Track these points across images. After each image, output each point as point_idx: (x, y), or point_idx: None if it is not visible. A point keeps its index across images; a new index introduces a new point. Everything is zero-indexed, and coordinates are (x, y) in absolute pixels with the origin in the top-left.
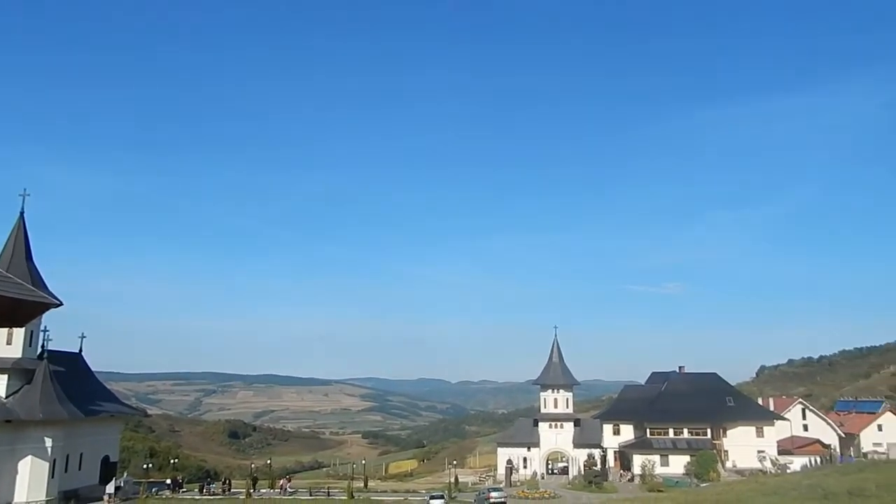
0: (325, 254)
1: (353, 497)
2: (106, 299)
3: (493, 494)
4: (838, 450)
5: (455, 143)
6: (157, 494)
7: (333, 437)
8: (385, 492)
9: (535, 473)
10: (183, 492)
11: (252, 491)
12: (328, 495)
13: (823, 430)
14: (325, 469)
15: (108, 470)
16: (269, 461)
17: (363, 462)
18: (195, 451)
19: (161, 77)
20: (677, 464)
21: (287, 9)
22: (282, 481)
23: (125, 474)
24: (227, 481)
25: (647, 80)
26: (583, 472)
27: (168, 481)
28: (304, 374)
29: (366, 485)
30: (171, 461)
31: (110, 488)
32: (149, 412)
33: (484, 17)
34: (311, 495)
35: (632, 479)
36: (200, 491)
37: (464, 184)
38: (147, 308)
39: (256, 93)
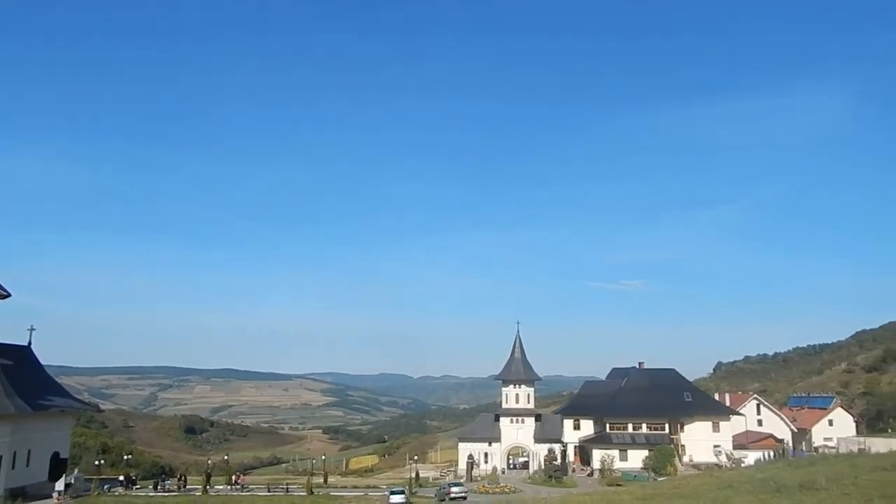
0: (288, 247)
1: (312, 493)
2: (58, 291)
3: (454, 489)
4: (791, 444)
5: (423, 139)
6: (109, 491)
7: (293, 433)
8: (345, 487)
9: (495, 468)
10: (136, 489)
11: (208, 487)
12: (287, 492)
13: (777, 425)
14: (284, 465)
15: (57, 466)
16: (226, 457)
17: (323, 458)
18: (150, 447)
19: (109, 66)
20: (636, 458)
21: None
22: (233, 476)
23: (76, 471)
24: (183, 478)
25: (613, 78)
26: (543, 467)
27: (121, 478)
28: (263, 368)
29: (325, 481)
30: (125, 457)
31: (60, 485)
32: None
33: (446, 12)
34: (269, 491)
35: (591, 474)
36: (155, 488)
37: (428, 182)
38: (101, 300)
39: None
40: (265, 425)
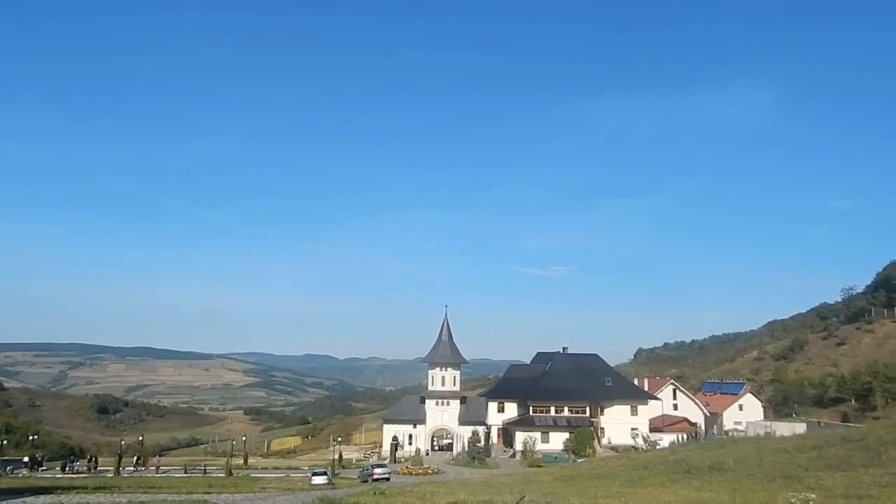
0: (210, 224)
1: (231, 475)
2: None
3: (377, 471)
4: (703, 427)
5: (349, 119)
6: (12, 473)
7: (213, 414)
8: (266, 469)
9: (419, 450)
10: (43, 470)
11: (120, 469)
12: (205, 473)
13: (691, 410)
14: (203, 446)
15: None
16: (141, 438)
17: (244, 439)
18: (58, 428)
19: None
20: (557, 440)
21: None
22: (136, 457)
23: None
24: (94, 459)
25: (546, 65)
26: (467, 449)
27: (25, 459)
28: (182, 347)
29: (246, 462)
30: (30, 438)
31: None
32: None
33: None
34: (186, 473)
35: (513, 456)
36: (63, 469)
37: (353, 163)
38: (5, 272)
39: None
40: (183, 406)
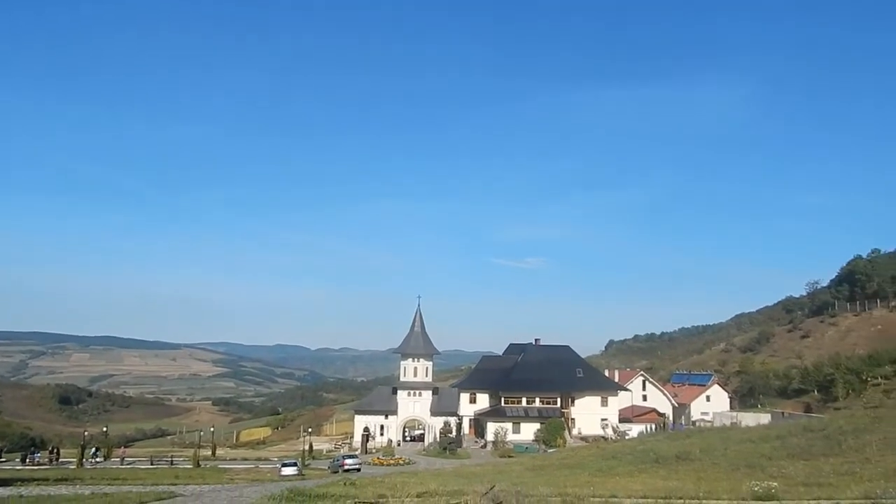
0: (179, 211)
1: (199, 466)
2: None
3: (348, 461)
4: (672, 418)
5: (325, 108)
6: None
7: (180, 404)
8: (235, 460)
9: (390, 441)
10: (2, 462)
11: (83, 460)
12: (171, 464)
13: (660, 400)
14: (170, 437)
15: None
16: (105, 429)
17: (212, 429)
18: (19, 418)
19: None
20: (528, 431)
21: None
22: (94, 449)
23: None
24: (56, 450)
25: (523, 57)
26: (438, 440)
27: None
28: (149, 336)
29: (214, 453)
30: None
31: None
32: None
33: None
34: (152, 464)
35: (485, 446)
36: (23, 460)
37: (333, 150)
38: None
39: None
40: (150, 396)
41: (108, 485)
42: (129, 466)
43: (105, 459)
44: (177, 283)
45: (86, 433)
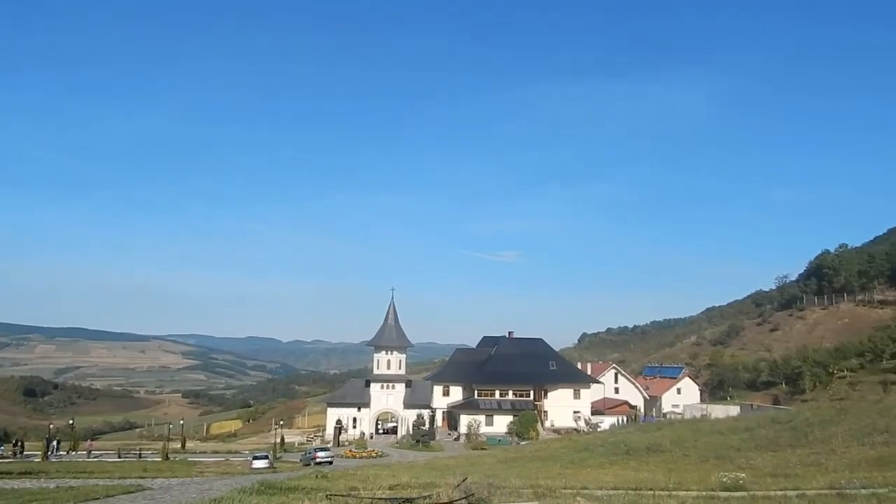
0: (145, 199)
1: (167, 459)
2: None
3: (320, 454)
4: (643, 410)
5: (295, 100)
6: None
7: (149, 397)
8: (205, 453)
9: (362, 433)
10: None
11: (48, 453)
12: (140, 457)
13: (632, 393)
14: (138, 430)
15: None
16: (71, 421)
17: (181, 422)
18: None
19: None
20: (501, 423)
21: None
22: (53, 442)
23: None
24: (20, 443)
25: (493, 50)
26: (411, 432)
27: None
28: (117, 328)
29: (183, 446)
30: None
31: None
32: None
33: None
34: (119, 457)
35: (458, 439)
36: None
37: (305, 141)
38: None
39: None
40: (118, 388)
41: (74, 478)
42: (95, 459)
43: (67, 453)
44: (146, 275)
45: (51, 426)
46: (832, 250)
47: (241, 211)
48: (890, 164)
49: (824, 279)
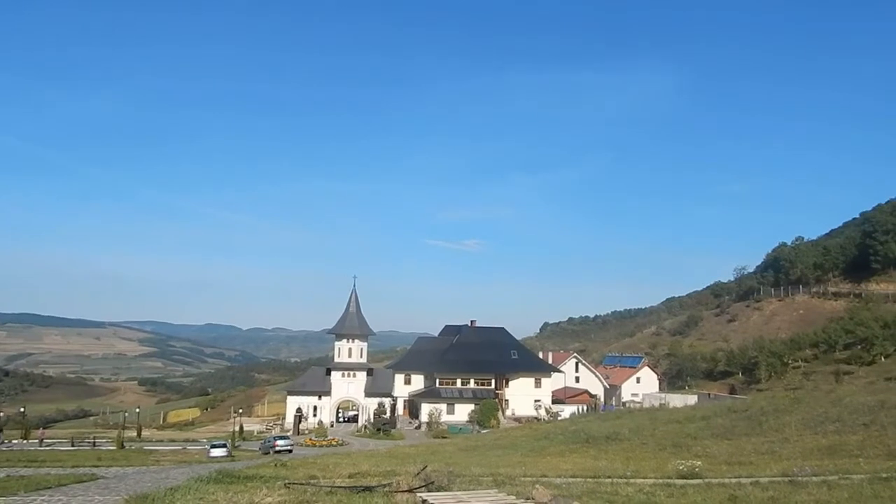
0: (102, 182)
1: (123, 448)
2: None
3: (279, 442)
4: (603, 399)
5: (253, 86)
6: None
7: (104, 384)
8: (161, 441)
9: (321, 422)
10: None
11: None
12: (94, 446)
13: (592, 382)
14: (92, 418)
15: None
16: (22, 409)
17: (137, 410)
18: None
19: None
20: (462, 412)
21: None
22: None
23: None
24: None
25: (455, 36)
26: (372, 421)
27: None
28: (71, 314)
29: (139, 434)
30: None
31: None
32: None
33: None
34: (73, 446)
35: (419, 427)
36: None
37: (263, 128)
38: None
39: None
40: (71, 376)
41: (26, 467)
42: (48, 448)
43: (8, 441)
44: (100, 259)
45: (1, 414)
46: (789, 243)
47: (199, 196)
48: (846, 157)
49: (781, 271)
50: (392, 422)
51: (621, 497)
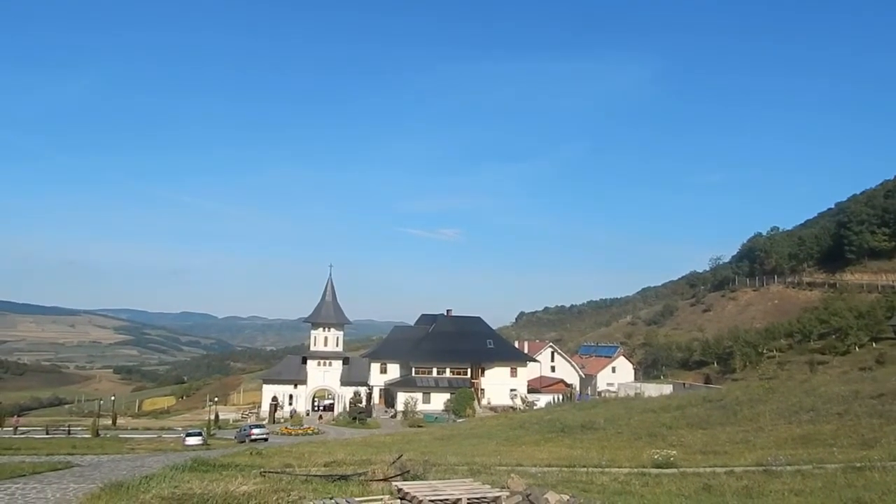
0: (75, 169)
1: (98, 435)
2: None
3: (255, 431)
4: (578, 389)
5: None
6: None
7: (79, 372)
8: (137, 430)
9: (295, 411)
10: None
11: None
12: (69, 434)
13: (568, 371)
14: (67, 406)
15: None
16: None
17: (112, 398)
18: None
19: None
20: (438, 401)
21: None
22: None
23: None
24: None
25: (433, 24)
26: (348, 409)
27: None
28: (46, 302)
29: (114, 422)
30: None
31: None
32: None
33: None
34: (47, 434)
35: (395, 416)
36: None
37: (237, 114)
38: None
39: None
40: (46, 364)
41: (0, 455)
42: (23, 436)
43: None
44: (75, 247)
45: None
46: (764, 233)
47: (174, 184)
48: (822, 148)
49: (756, 261)
50: (368, 411)
51: (596, 486)
